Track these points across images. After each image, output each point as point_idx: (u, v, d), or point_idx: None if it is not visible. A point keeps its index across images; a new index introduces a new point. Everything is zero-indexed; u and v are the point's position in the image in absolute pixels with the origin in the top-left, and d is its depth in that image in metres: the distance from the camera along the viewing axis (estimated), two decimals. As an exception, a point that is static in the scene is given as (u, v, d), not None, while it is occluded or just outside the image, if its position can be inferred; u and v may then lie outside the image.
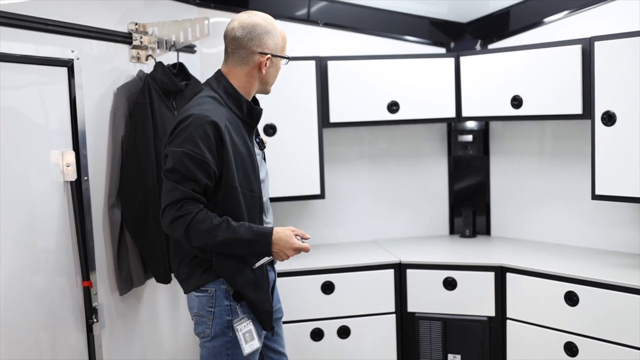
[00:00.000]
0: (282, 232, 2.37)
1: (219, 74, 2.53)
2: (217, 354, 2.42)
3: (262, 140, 2.64)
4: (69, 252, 2.89)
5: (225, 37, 2.51)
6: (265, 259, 2.41)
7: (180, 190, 2.30)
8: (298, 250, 2.37)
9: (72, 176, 2.86)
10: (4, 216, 2.54)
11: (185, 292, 2.52)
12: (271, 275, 2.58)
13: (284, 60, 2.56)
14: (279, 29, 2.56)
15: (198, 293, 2.45)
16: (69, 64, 2.87)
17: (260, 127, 3.58)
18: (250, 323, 2.43)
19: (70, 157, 2.85)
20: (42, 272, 2.76)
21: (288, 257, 2.38)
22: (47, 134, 2.79)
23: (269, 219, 2.59)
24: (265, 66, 2.48)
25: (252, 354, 2.45)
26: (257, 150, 2.52)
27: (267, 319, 2.48)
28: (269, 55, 2.47)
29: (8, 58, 2.55)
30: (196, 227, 2.29)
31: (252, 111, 2.49)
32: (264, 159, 2.66)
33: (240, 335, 2.40)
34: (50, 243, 2.80)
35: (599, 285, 3.04)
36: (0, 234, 2.52)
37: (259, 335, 2.47)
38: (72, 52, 2.88)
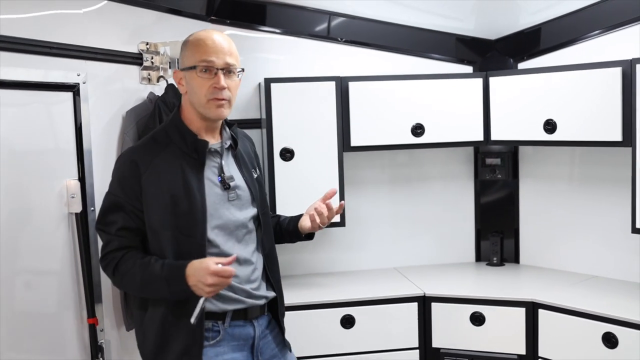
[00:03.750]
0: (197, 262, 2.08)
1: (177, 107, 2.33)
2: None
3: (224, 178, 2.26)
4: (74, 288, 2.77)
5: None
6: (199, 304, 2.06)
7: (105, 237, 2.23)
8: (216, 274, 2.02)
9: (77, 208, 2.71)
10: (6, 249, 2.40)
11: None
12: (248, 331, 2.29)
13: (198, 69, 2.18)
14: (194, 37, 2.26)
15: None
16: (74, 89, 2.73)
17: (276, 151, 3.42)
18: None
19: (75, 187, 2.71)
20: (47, 308, 2.64)
21: (211, 287, 2.04)
22: (51, 163, 2.66)
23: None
24: (182, 84, 2.26)
25: None
26: (217, 192, 2.24)
27: None
28: (176, 71, 2.28)
29: (9, 85, 2.42)
30: (119, 274, 2.20)
31: (197, 144, 2.22)
32: (253, 193, 2.34)
33: None
34: (54, 279, 2.68)
35: (640, 327, 2.83)
36: (2, 269, 2.39)
37: None
38: (78, 75, 2.74)
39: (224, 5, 3.71)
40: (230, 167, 2.30)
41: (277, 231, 2.53)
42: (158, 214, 2.15)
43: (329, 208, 2.37)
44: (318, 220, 2.37)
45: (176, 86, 3.04)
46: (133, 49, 3.11)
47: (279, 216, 2.62)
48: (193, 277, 2.06)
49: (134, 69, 3.13)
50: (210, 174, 2.23)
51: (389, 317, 3.38)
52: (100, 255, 2.28)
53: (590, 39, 3.50)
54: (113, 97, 2.99)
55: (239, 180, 2.29)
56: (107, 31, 2.97)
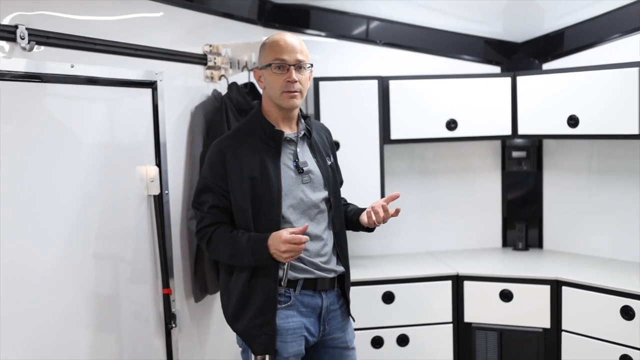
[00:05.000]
0: (275, 233, 2.40)
1: (259, 102, 2.66)
2: None
3: (299, 164, 2.56)
4: (150, 262, 3.09)
5: None
6: (285, 270, 2.47)
7: (199, 214, 2.57)
8: (289, 242, 2.33)
9: (156, 190, 3.05)
10: (97, 226, 2.75)
11: None
12: (316, 301, 2.58)
13: (273, 66, 2.48)
14: (269, 40, 2.55)
15: None
16: (153, 86, 3.07)
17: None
18: None
19: (154, 173, 3.04)
20: (127, 280, 2.95)
21: (286, 253, 2.35)
22: (134, 151, 2.99)
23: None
24: (261, 81, 2.57)
25: None
26: (292, 175, 2.54)
27: (249, 342, 2.53)
28: (256, 69, 2.60)
29: (101, 81, 2.76)
30: (212, 246, 2.53)
31: (274, 134, 2.53)
32: (325, 177, 2.63)
33: (251, 356, 2.53)
34: (134, 253, 2.99)
35: (656, 300, 3.15)
36: (90, 244, 2.72)
37: (280, 359, 2.50)
38: (156, 74, 3.07)
39: (274, 10, 4.05)
40: (305, 154, 2.60)
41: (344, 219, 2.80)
42: (241, 195, 2.48)
43: (384, 209, 2.62)
44: (373, 218, 2.62)
45: (238, 85, 3.42)
46: (198, 50, 3.45)
47: (348, 204, 2.90)
48: (272, 247, 2.39)
49: (199, 69, 3.46)
50: (286, 160, 2.55)
51: (425, 294, 3.72)
52: (195, 230, 2.62)
53: (610, 42, 3.79)
54: (182, 93, 3.32)
55: (312, 165, 2.60)
56: (174, 33, 3.29)
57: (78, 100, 2.67)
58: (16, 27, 2.32)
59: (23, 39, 2.33)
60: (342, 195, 2.86)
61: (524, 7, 4.02)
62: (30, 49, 2.35)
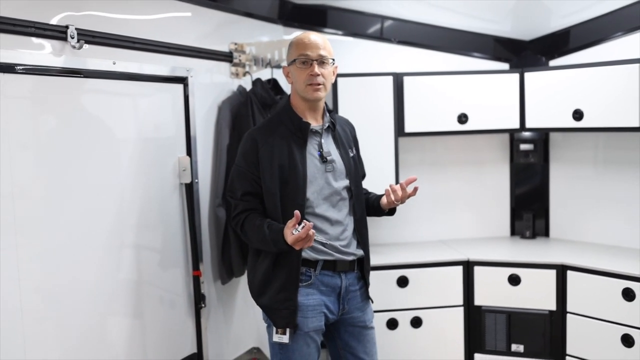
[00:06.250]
0: (284, 230, 2.56)
1: (288, 96, 2.89)
2: (269, 339, 2.80)
3: (323, 153, 2.76)
4: (182, 246, 3.31)
5: None
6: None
7: (233, 202, 2.77)
8: (296, 240, 2.48)
9: (187, 179, 3.27)
10: (135, 212, 2.97)
11: None
12: (336, 281, 2.78)
13: (298, 61, 2.71)
14: (296, 38, 2.79)
15: None
16: (184, 81, 3.29)
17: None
18: None
19: (186, 162, 3.27)
20: (160, 264, 3.18)
21: (297, 245, 2.51)
22: (168, 142, 3.21)
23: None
24: (289, 77, 2.80)
25: (288, 345, 2.71)
26: (316, 164, 2.75)
27: (272, 316, 2.73)
28: (284, 66, 2.83)
29: (139, 77, 2.99)
30: (244, 232, 2.73)
31: (301, 125, 2.74)
32: (347, 167, 2.82)
33: (273, 328, 2.74)
34: (167, 238, 3.22)
35: (655, 282, 3.34)
36: (127, 231, 2.95)
37: (302, 333, 2.71)
38: (187, 70, 3.29)
39: (294, 10, 4.26)
40: (329, 145, 2.81)
41: (366, 206, 2.97)
42: (270, 181, 2.69)
43: (402, 188, 2.82)
44: (392, 197, 2.82)
45: (262, 80, 3.63)
46: (224, 48, 3.66)
47: (369, 193, 3.09)
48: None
49: (224, 65, 3.68)
50: (311, 149, 2.76)
51: (438, 278, 3.92)
52: (231, 217, 2.81)
53: (614, 40, 3.98)
54: (210, 89, 3.55)
55: (335, 156, 2.81)
56: (202, 32, 3.51)
57: (117, 95, 2.90)
58: (67, 27, 2.54)
59: (73, 38, 2.56)
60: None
61: (531, 7, 4.20)
62: (80, 47, 2.58)
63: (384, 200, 2.88)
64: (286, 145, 2.72)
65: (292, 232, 2.49)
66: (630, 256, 3.80)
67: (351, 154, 2.89)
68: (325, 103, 2.85)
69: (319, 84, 2.72)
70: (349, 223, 2.84)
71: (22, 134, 2.43)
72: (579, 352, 3.67)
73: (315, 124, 2.80)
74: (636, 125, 3.54)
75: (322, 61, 2.73)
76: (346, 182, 2.82)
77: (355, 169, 2.90)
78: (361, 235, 2.89)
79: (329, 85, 2.79)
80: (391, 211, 2.98)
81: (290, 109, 2.80)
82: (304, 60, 2.71)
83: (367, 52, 4.40)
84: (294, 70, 2.75)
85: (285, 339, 2.70)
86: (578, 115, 3.79)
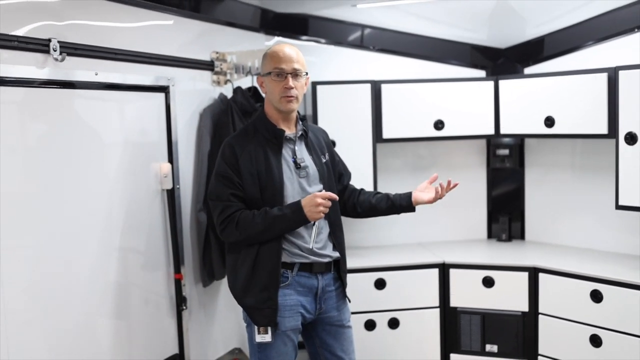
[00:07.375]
0: (307, 197, 2.76)
1: (261, 106, 2.99)
2: (249, 338, 2.91)
3: (296, 160, 2.88)
4: (163, 250, 3.40)
5: None
6: (314, 231, 2.80)
7: (220, 205, 2.82)
8: (324, 197, 2.72)
9: (169, 185, 3.37)
10: (112, 220, 3.05)
11: None
12: (312, 282, 2.88)
13: (272, 74, 2.82)
14: (270, 50, 2.88)
15: None
16: (166, 90, 3.38)
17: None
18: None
19: (168, 169, 3.36)
20: (143, 267, 3.26)
21: (320, 207, 2.72)
22: (149, 149, 3.30)
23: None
24: (263, 87, 2.90)
25: (266, 345, 2.82)
26: (291, 169, 2.86)
27: (254, 315, 2.82)
28: (259, 77, 2.93)
29: (120, 87, 3.07)
30: (240, 228, 2.77)
31: (276, 132, 2.84)
32: (320, 172, 2.93)
33: (255, 328, 2.83)
34: (149, 242, 3.31)
35: (621, 284, 3.44)
36: (111, 235, 3.03)
37: (280, 332, 2.81)
38: (168, 79, 3.38)
39: (275, 19, 4.36)
40: (302, 152, 2.92)
41: (380, 206, 3.15)
42: (252, 186, 2.79)
43: (442, 187, 3.08)
44: (441, 193, 3.08)
45: (243, 89, 3.73)
46: (206, 57, 3.75)
47: (378, 193, 3.23)
48: (306, 207, 2.72)
49: (206, 74, 3.77)
50: (286, 156, 2.87)
51: (414, 280, 4.02)
52: (217, 224, 2.83)
53: (585, 48, 4.10)
54: (192, 97, 3.64)
55: (308, 161, 2.91)
56: (184, 42, 3.60)
57: (100, 104, 2.99)
58: (49, 40, 2.63)
59: (55, 50, 2.64)
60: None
61: (507, 16, 4.32)
62: (62, 60, 2.66)
63: (422, 198, 3.10)
64: (262, 152, 2.83)
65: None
66: (600, 259, 3.91)
67: (324, 160, 3.00)
68: (298, 112, 2.96)
69: (293, 97, 2.83)
70: (324, 226, 2.94)
71: (9, 142, 2.49)
72: (551, 352, 3.78)
73: (288, 132, 2.91)
74: (605, 132, 3.65)
75: (296, 74, 2.84)
76: (319, 187, 2.92)
77: (329, 174, 3.00)
78: (336, 237, 2.99)
79: (302, 97, 2.91)
80: (414, 208, 3.16)
81: (264, 117, 2.90)
82: (279, 72, 2.82)
83: (347, 60, 4.50)
84: (269, 82, 2.85)
85: (267, 337, 2.79)
86: (549, 122, 3.89)
